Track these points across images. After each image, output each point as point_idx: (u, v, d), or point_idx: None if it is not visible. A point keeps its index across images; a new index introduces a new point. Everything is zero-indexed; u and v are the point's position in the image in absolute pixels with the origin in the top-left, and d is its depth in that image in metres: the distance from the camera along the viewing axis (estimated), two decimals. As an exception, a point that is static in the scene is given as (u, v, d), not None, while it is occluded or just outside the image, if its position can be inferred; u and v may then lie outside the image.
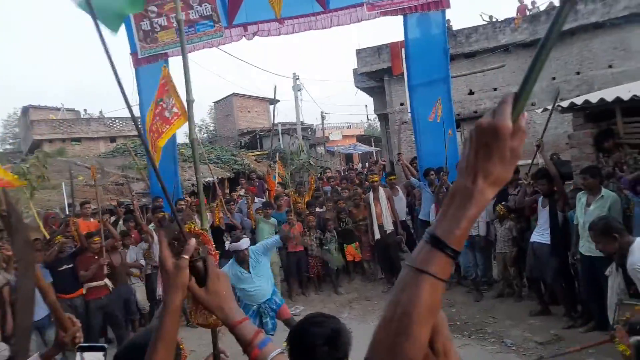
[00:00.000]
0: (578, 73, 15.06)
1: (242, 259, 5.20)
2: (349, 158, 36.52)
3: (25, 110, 28.59)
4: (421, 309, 0.69)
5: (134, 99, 9.05)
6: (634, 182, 4.78)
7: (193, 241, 1.09)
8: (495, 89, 16.50)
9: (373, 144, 40.53)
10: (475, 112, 16.80)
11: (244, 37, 8.80)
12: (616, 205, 4.98)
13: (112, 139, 25.19)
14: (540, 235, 5.74)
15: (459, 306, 6.84)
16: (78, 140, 24.67)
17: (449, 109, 8.23)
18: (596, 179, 5.05)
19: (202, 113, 46.65)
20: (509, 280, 6.76)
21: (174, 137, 8.77)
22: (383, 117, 20.54)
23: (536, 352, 5.20)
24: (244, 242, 5.27)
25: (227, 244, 7.82)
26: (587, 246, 5.08)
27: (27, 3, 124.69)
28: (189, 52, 9.06)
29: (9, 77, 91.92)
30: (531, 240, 5.87)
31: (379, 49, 17.63)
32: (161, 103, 7.88)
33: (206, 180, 12.43)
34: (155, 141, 7.64)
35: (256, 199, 8.98)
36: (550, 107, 6.39)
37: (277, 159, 18.46)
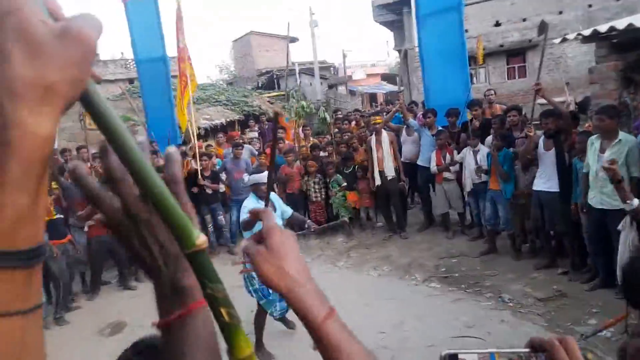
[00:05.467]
0: (618, -2, 13.49)
1: (261, 196, 4.11)
2: (372, 98, 35.23)
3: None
4: None
5: (126, 37, 8.54)
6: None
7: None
8: (524, 20, 15.09)
9: (399, 82, 38.91)
10: (502, 45, 15.54)
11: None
12: (635, 151, 4.35)
13: (131, 81, 24.93)
14: (546, 182, 5.18)
15: (461, 257, 6.47)
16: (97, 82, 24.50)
17: (461, 42, 7.40)
18: (614, 121, 4.40)
19: (222, 53, 45.67)
20: (523, 230, 6.27)
21: (166, 77, 8.34)
22: (403, 54, 19.39)
23: (534, 308, 4.84)
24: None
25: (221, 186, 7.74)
26: (598, 198, 4.55)
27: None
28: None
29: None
30: (535, 188, 5.32)
31: (398, -22, 16.32)
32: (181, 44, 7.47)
33: (212, 123, 12.12)
34: (185, 87, 7.38)
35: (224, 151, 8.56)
36: (570, 37, 5.61)
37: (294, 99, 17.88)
